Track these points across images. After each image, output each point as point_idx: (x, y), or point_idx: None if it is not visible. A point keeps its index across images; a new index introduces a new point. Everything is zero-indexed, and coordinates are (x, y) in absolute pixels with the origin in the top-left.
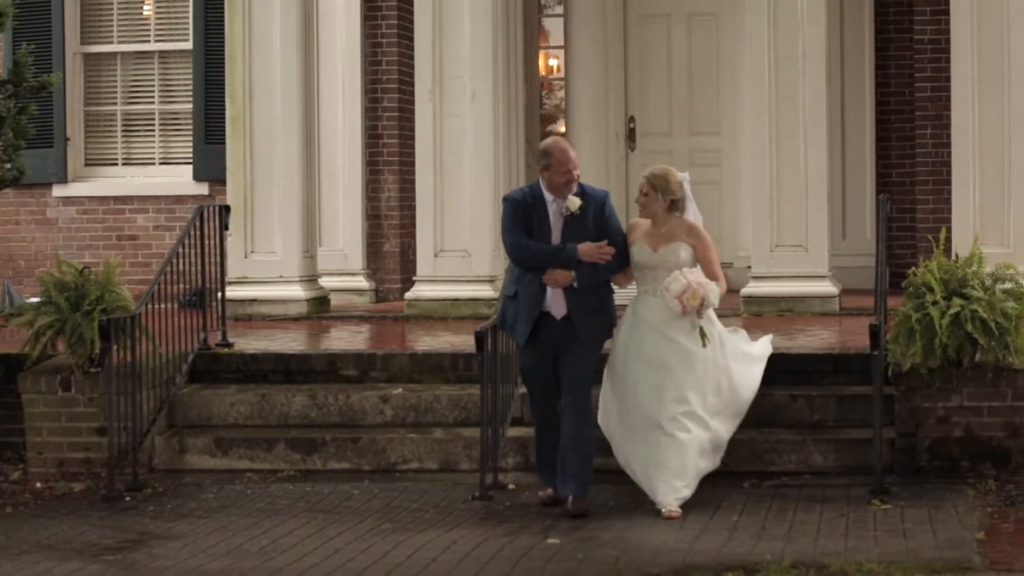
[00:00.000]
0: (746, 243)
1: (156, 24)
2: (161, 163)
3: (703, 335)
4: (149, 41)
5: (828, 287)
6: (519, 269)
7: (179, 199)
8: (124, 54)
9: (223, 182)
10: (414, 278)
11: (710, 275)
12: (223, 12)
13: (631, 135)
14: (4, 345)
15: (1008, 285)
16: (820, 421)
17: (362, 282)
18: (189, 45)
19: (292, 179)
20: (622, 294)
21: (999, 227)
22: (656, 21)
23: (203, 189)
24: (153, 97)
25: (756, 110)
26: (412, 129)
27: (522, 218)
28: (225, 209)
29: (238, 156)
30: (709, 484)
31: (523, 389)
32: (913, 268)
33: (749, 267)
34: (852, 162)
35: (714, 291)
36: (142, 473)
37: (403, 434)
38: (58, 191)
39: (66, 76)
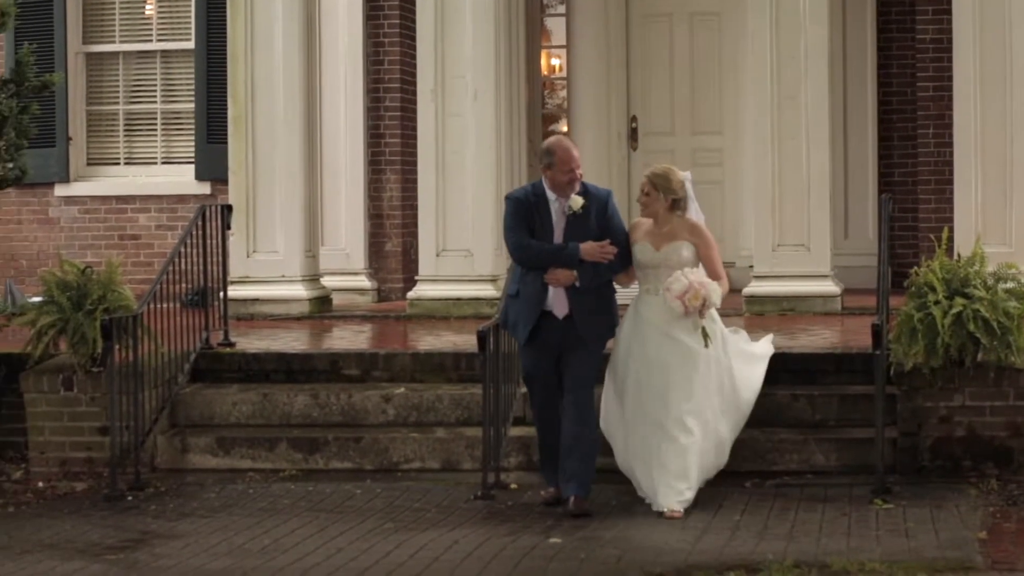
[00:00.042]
0: (748, 242)
1: (158, 23)
2: (163, 162)
3: (705, 335)
4: (151, 40)
5: (830, 287)
6: (521, 268)
7: (181, 198)
8: (126, 53)
9: (225, 181)
10: (416, 277)
11: (712, 274)
12: (225, 11)
13: (633, 134)
14: (6, 344)
15: (1010, 284)
16: (822, 420)
17: (364, 281)
18: (191, 44)
19: (294, 178)
20: (624, 293)
21: (1001, 227)
22: (658, 20)
23: (205, 188)
24: (155, 97)
25: (758, 110)
26: (414, 128)
27: (524, 217)
28: (227, 208)
29: (240, 156)
30: (711, 484)
31: (525, 389)
32: (915, 268)
33: (751, 266)
34: (854, 162)
35: (716, 291)
36: (144, 472)
37: (405, 433)
38: (60, 190)
39: (68, 75)
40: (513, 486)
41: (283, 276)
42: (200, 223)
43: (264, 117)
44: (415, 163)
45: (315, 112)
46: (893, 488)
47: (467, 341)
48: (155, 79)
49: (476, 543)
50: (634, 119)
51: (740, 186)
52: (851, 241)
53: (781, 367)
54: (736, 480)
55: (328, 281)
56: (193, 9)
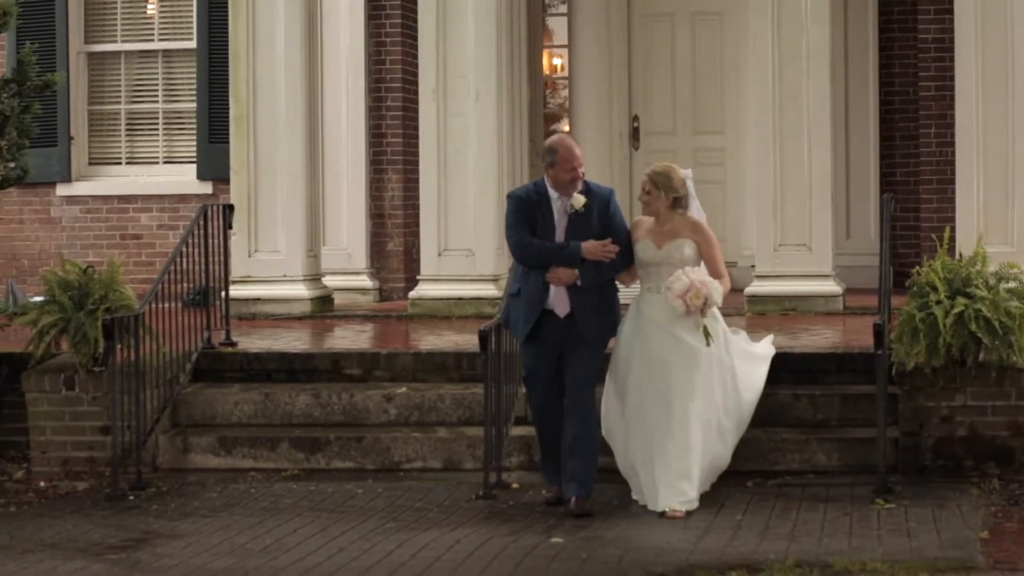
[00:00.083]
0: (750, 242)
1: (160, 23)
2: (165, 162)
3: (707, 333)
4: (153, 40)
5: (832, 286)
6: (523, 267)
7: (183, 198)
8: (128, 53)
9: (227, 181)
10: (418, 277)
11: (714, 272)
12: (227, 11)
13: (635, 134)
14: (8, 344)
15: (1012, 284)
16: (824, 420)
17: (366, 281)
18: (193, 44)
19: (296, 178)
20: (626, 292)
21: (1003, 226)
22: (660, 20)
23: (207, 188)
24: (157, 96)
25: (760, 109)
26: (416, 128)
27: (526, 215)
28: (229, 208)
29: (242, 155)
30: (713, 484)
31: (525, 388)
32: (917, 267)
33: (753, 266)
34: (856, 161)
35: (717, 289)
36: (146, 472)
37: (407, 433)
38: (62, 190)
39: (70, 75)
40: (515, 486)
41: (285, 276)
42: (202, 223)
43: (266, 117)
44: (417, 163)
45: (317, 112)
46: (895, 488)
47: (469, 341)
48: (157, 79)
49: (478, 543)
50: (636, 119)
51: (742, 186)
52: (853, 241)
53: (783, 367)
54: (738, 480)
55: (330, 281)
56: (195, 8)
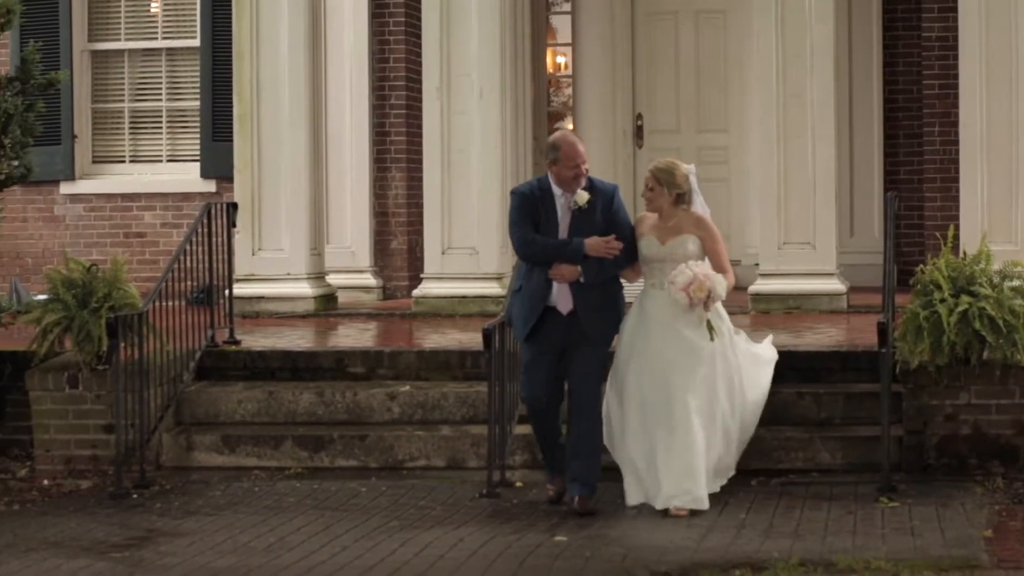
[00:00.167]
0: (754, 240)
1: (164, 21)
2: (168, 160)
3: (710, 328)
4: (157, 38)
5: (836, 284)
6: (526, 264)
7: (186, 196)
8: (132, 51)
9: (230, 179)
10: (422, 275)
11: (718, 268)
12: (231, 9)
13: (639, 132)
14: (11, 342)
15: (1016, 283)
16: (828, 419)
17: (369, 279)
18: (197, 42)
19: (299, 176)
20: (629, 288)
21: (1007, 224)
22: (664, 18)
23: (210, 186)
24: (160, 94)
25: (764, 108)
26: (420, 126)
27: (529, 212)
28: (232, 206)
29: (245, 153)
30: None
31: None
32: (921, 266)
33: (757, 264)
34: (860, 160)
35: (721, 283)
36: (149, 470)
37: (410, 431)
38: (65, 188)
39: (73, 73)
40: (518, 484)
41: (288, 274)
42: (205, 221)
43: (269, 115)
44: (420, 161)
45: (320, 110)
46: (899, 486)
47: (472, 339)
48: (160, 77)
49: (481, 541)
50: (640, 117)
51: (746, 184)
52: (857, 239)
53: (787, 365)
54: (742, 478)
55: (333, 279)
56: (198, 7)
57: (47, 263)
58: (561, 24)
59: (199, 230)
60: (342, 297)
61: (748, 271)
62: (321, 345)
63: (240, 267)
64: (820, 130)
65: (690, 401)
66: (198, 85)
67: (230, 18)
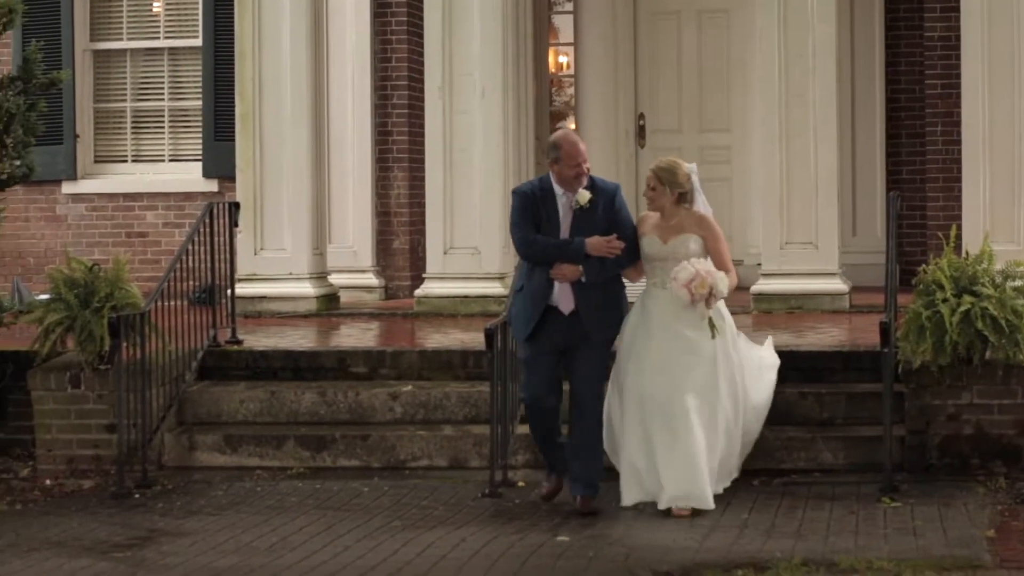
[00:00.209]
0: (756, 240)
1: (166, 21)
2: (171, 160)
3: (712, 325)
4: (159, 38)
5: (838, 284)
6: (528, 264)
7: (189, 196)
8: (134, 51)
9: (233, 179)
10: (424, 275)
11: (720, 267)
12: (233, 9)
13: (641, 132)
14: (13, 342)
15: (1018, 283)
16: (830, 419)
17: (372, 279)
18: (199, 42)
19: (302, 176)
20: (632, 288)
21: (1009, 224)
22: (666, 18)
23: (213, 186)
24: (163, 94)
25: (766, 107)
26: (422, 126)
27: (530, 211)
28: (235, 206)
29: (248, 153)
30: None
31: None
32: (923, 265)
33: (759, 264)
34: (862, 159)
35: (723, 280)
36: (151, 470)
37: (412, 431)
38: (67, 188)
39: (75, 73)
40: (520, 484)
41: (290, 274)
42: (207, 220)
43: (272, 115)
44: (423, 161)
45: (323, 110)
46: (901, 486)
47: (475, 339)
48: (162, 76)
49: (483, 541)
50: (642, 117)
51: (748, 184)
52: (859, 239)
53: (789, 365)
54: (744, 478)
55: (335, 279)
56: (201, 6)
57: (49, 263)
58: (563, 24)
59: (201, 230)
60: (344, 297)
61: (750, 271)
62: (323, 345)
63: (242, 267)
64: (822, 130)
65: (690, 401)
66: (200, 84)
67: (232, 17)
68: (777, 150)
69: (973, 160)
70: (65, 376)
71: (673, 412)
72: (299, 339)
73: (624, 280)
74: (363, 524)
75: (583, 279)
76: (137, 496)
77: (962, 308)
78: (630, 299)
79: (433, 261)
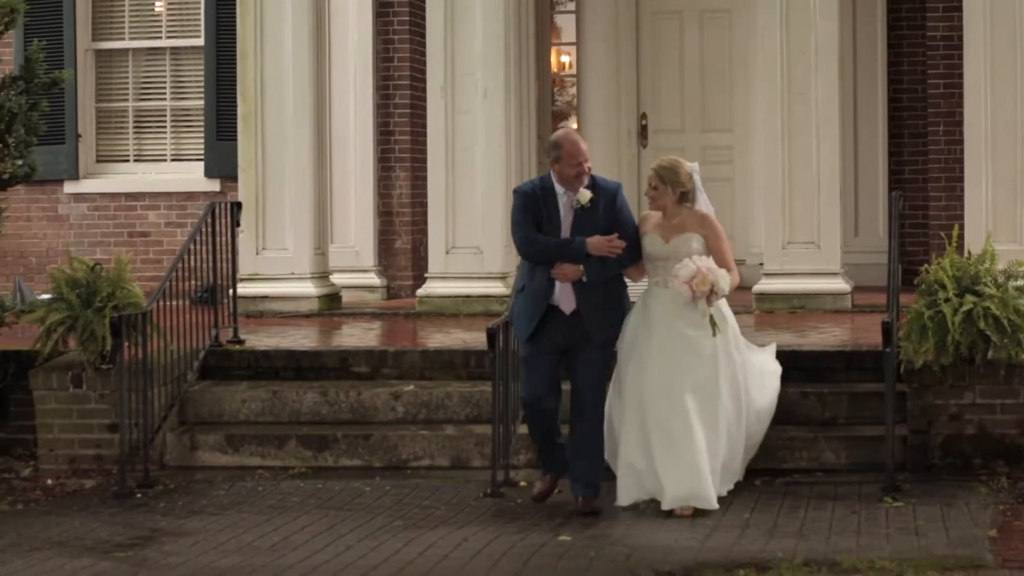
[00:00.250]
0: (758, 240)
1: (168, 20)
2: (173, 159)
3: (713, 323)
4: (161, 37)
5: (840, 284)
6: (529, 263)
7: (191, 196)
8: (136, 50)
9: (235, 178)
10: (426, 275)
11: (722, 266)
12: (235, 8)
13: (643, 132)
14: (15, 342)
15: (1021, 282)
16: (832, 418)
17: (374, 279)
18: (201, 41)
19: (304, 176)
20: (633, 287)
21: (1012, 224)
22: (668, 18)
23: (215, 186)
24: (165, 93)
25: (768, 107)
26: (424, 126)
27: (531, 211)
28: (237, 206)
29: (250, 153)
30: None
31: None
32: (926, 265)
33: (761, 264)
34: (864, 159)
35: (724, 277)
36: (153, 470)
37: (414, 431)
38: (69, 188)
39: (78, 72)
40: (522, 483)
41: (292, 273)
42: (209, 220)
43: (274, 114)
44: (425, 160)
45: (325, 109)
46: (903, 486)
47: (477, 338)
48: (164, 76)
49: (485, 540)
50: (644, 116)
51: (750, 183)
52: (861, 238)
53: (791, 365)
54: (746, 478)
55: (337, 278)
56: (203, 6)
57: (51, 262)
58: (565, 23)
59: (203, 229)
60: (346, 296)
61: (752, 270)
62: (325, 344)
63: (244, 266)
64: (824, 129)
65: (690, 401)
66: (202, 84)
67: (234, 17)
68: (779, 150)
69: (975, 160)
70: (67, 376)
71: (673, 412)
72: (301, 339)
73: (626, 280)
74: (365, 524)
75: (584, 279)
76: (139, 496)
77: (964, 308)
78: (632, 298)
79: (435, 261)
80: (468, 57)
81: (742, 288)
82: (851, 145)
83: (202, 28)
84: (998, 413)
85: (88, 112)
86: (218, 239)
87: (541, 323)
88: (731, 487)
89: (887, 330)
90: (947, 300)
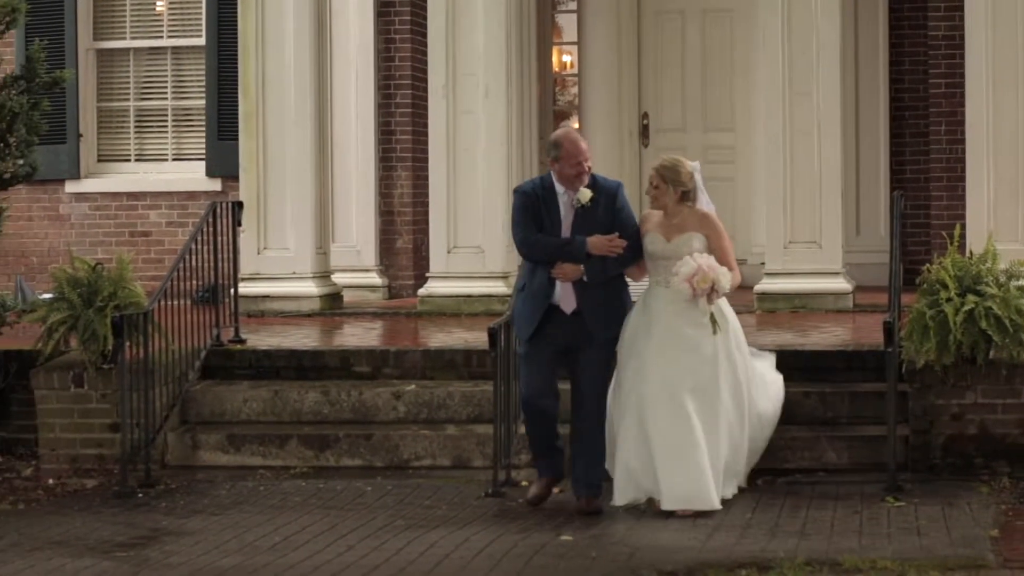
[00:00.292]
0: (760, 239)
1: (169, 20)
2: (174, 159)
3: (714, 321)
4: (162, 37)
5: (842, 284)
6: (530, 263)
7: (192, 195)
8: (137, 50)
9: (236, 178)
10: (427, 274)
11: (723, 264)
12: (236, 7)
13: (645, 132)
14: (17, 341)
15: (1022, 282)
16: (834, 418)
17: (375, 278)
18: (202, 41)
19: (305, 175)
20: (635, 287)
21: (1013, 224)
22: (670, 17)
23: (216, 185)
24: (166, 93)
25: (770, 106)
26: (425, 125)
27: (532, 210)
28: (238, 205)
29: (251, 152)
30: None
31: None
32: (927, 265)
33: (763, 263)
34: (866, 158)
35: (725, 275)
36: (155, 469)
37: (416, 431)
38: (71, 187)
39: (79, 72)
40: (524, 483)
41: (294, 273)
42: (211, 220)
43: (275, 113)
44: (426, 160)
45: (326, 109)
46: (905, 486)
47: (478, 338)
48: (166, 75)
49: (487, 540)
50: (646, 116)
51: (752, 183)
52: (863, 238)
53: (793, 364)
54: (747, 478)
55: (339, 278)
56: (204, 5)
57: (52, 262)
58: (567, 23)
59: (204, 229)
60: (347, 296)
61: (754, 270)
62: (326, 344)
63: (245, 266)
64: (826, 129)
65: (690, 401)
66: (203, 84)
67: (235, 16)
68: (781, 149)
69: (977, 159)
70: (68, 375)
71: (673, 412)
72: (302, 338)
73: (627, 279)
74: (366, 523)
75: (585, 278)
76: (140, 495)
77: (966, 307)
78: (633, 298)
79: (436, 260)
80: (469, 57)
81: (743, 288)
82: (853, 144)
83: (203, 28)
84: (1000, 413)
85: (89, 112)
86: (219, 239)
87: (542, 323)
88: (735, 491)
89: (889, 330)
90: (949, 300)
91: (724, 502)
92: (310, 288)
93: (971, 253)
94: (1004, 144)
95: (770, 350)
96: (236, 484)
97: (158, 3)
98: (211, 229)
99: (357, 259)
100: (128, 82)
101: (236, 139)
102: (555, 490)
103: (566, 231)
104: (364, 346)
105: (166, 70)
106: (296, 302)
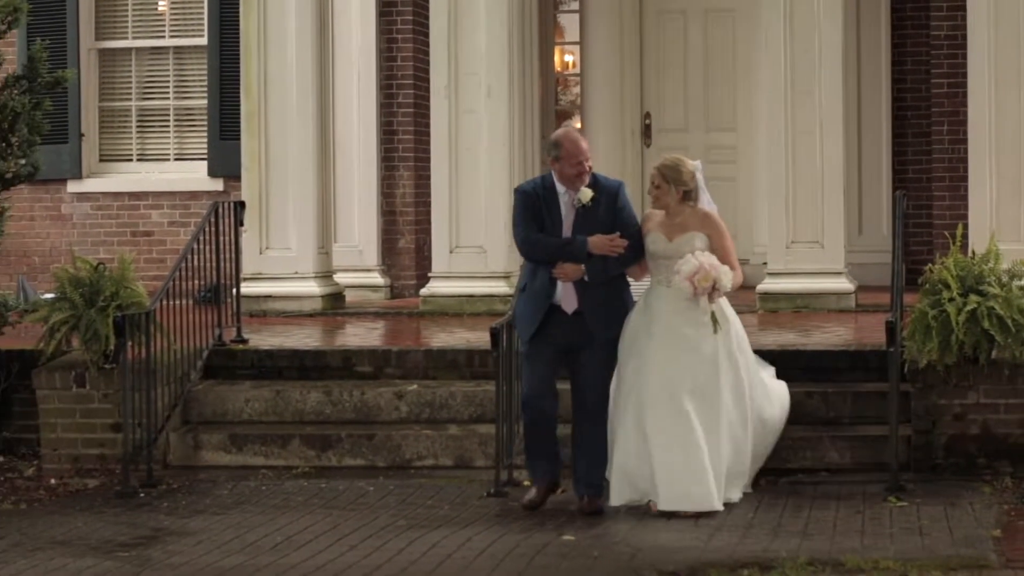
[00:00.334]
0: (762, 239)
1: (171, 20)
2: (176, 159)
3: (715, 320)
4: (164, 37)
5: (844, 283)
6: (531, 263)
7: (194, 195)
8: (139, 50)
9: (238, 178)
10: (429, 274)
11: (725, 263)
12: (238, 7)
13: (647, 131)
14: (19, 341)
15: None
16: (836, 418)
17: (377, 278)
18: (204, 41)
19: (307, 175)
20: (636, 286)
21: (1016, 223)
22: (672, 17)
23: (218, 185)
24: (168, 93)
25: (772, 106)
26: (427, 125)
27: (532, 210)
28: (240, 205)
29: (253, 152)
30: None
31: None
32: (929, 264)
33: (765, 263)
34: (868, 158)
35: (727, 274)
36: (156, 469)
37: (418, 430)
38: (73, 187)
39: (81, 72)
40: (526, 483)
41: (296, 273)
42: (213, 219)
43: (277, 113)
44: (428, 160)
45: (328, 109)
46: (907, 486)
47: (480, 338)
48: (168, 75)
49: (489, 540)
50: (648, 116)
51: (754, 183)
52: (865, 238)
53: (795, 364)
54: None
55: (341, 278)
56: (206, 5)
57: (54, 262)
58: (569, 23)
59: (206, 229)
60: (349, 296)
61: (756, 270)
62: (328, 344)
63: (247, 266)
64: (828, 128)
65: (690, 401)
66: (205, 83)
67: (237, 16)
68: (783, 149)
69: (979, 159)
70: (70, 375)
71: (673, 412)
72: (304, 338)
73: (628, 279)
74: (368, 523)
75: (586, 278)
76: (142, 495)
77: (968, 307)
78: (634, 297)
79: (439, 260)
80: (471, 56)
81: (746, 288)
82: (855, 144)
83: (205, 27)
84: (1002, 413)
85: (91, 111)
86: (221, 238)
87: (543, 323)
88: (740, 496)
89: (891, 330)
90: (951, 300)
91: (728, 504)
92: (312, 288)
93: (973, 253)
94: (1006, 144)
95: (772, 350)
96: (238, 484)
97: (160, 3)
98: (213, 229)
99: (359, 259)
100: (130, 82)
101: (238, 139)
102: (558, 491)
103: (567, 231)
104: (366, 346)
105: (168, 70)
106: (298, 302)
